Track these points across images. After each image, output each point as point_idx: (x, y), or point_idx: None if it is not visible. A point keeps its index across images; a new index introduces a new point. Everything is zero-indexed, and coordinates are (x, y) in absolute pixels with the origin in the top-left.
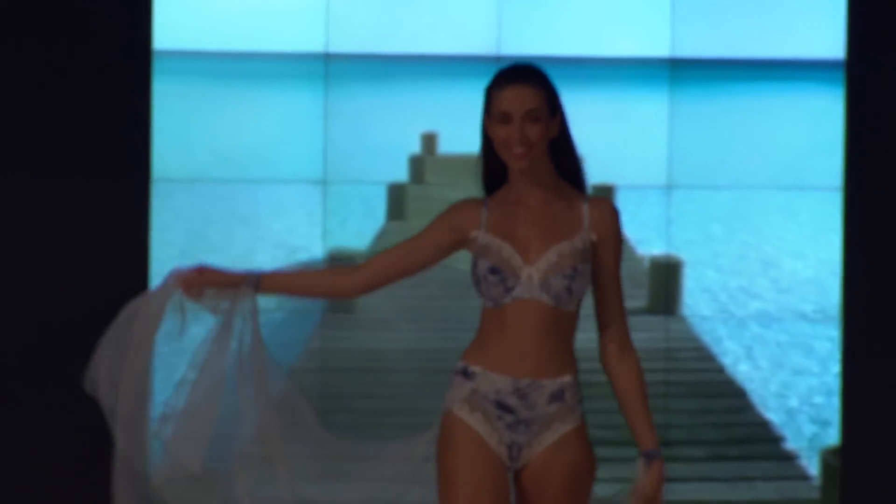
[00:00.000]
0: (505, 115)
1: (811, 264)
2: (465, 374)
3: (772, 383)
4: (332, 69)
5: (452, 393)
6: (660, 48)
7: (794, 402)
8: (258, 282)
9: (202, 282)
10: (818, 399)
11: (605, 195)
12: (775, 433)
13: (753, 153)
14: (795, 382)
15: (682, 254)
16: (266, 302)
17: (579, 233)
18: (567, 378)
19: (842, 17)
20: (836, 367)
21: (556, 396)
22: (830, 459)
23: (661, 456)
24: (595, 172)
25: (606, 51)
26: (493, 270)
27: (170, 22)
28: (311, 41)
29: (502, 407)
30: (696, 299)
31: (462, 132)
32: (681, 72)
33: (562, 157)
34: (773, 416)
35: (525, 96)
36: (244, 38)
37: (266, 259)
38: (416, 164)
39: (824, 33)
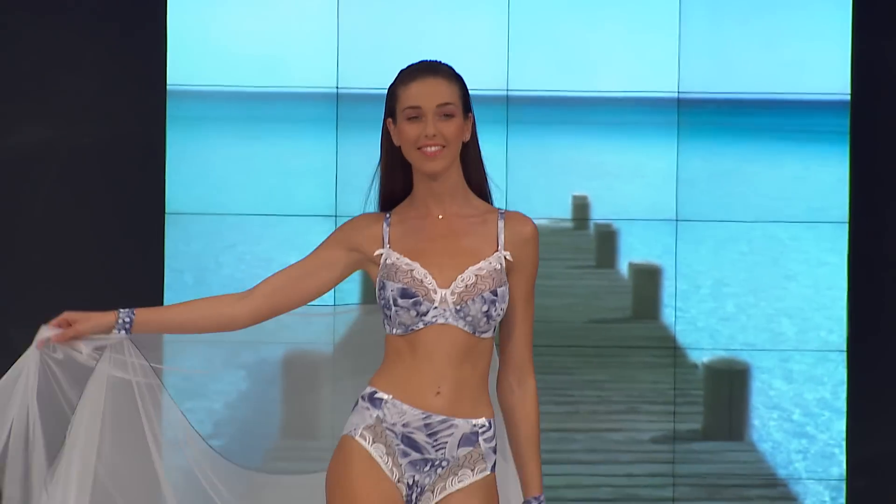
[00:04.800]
0: (415, 109)
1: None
2: (372, 400)
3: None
4: (343, 104)
5: (355, 418)
6: (668, 85)
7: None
8: (131, 322)
9: (70, 335)
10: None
11: (611, 230)
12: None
13: (756, 188)
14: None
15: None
16: None
17: (496, 251)
18: (482, 420)
19: (848, 55)
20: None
21: (469, 440)
22: None
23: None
24: (602, 207)
25: (615, 88)
26: (405, 294)
27: (182, 59)
28: (322, 77)
29: (408, 442)
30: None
31: None
32: (688, 109)
33: (471, 165)
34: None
35: (437, 88)
36: (256, 75)
37: None
38: None
39: (831, 72)
